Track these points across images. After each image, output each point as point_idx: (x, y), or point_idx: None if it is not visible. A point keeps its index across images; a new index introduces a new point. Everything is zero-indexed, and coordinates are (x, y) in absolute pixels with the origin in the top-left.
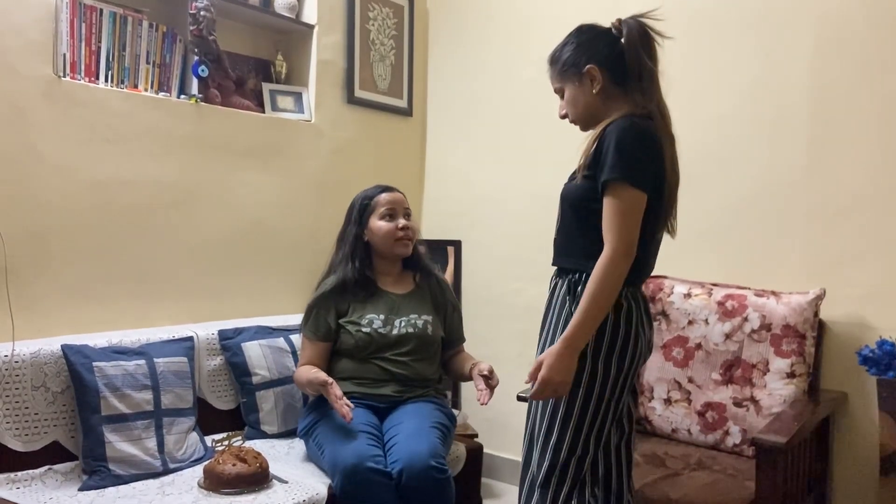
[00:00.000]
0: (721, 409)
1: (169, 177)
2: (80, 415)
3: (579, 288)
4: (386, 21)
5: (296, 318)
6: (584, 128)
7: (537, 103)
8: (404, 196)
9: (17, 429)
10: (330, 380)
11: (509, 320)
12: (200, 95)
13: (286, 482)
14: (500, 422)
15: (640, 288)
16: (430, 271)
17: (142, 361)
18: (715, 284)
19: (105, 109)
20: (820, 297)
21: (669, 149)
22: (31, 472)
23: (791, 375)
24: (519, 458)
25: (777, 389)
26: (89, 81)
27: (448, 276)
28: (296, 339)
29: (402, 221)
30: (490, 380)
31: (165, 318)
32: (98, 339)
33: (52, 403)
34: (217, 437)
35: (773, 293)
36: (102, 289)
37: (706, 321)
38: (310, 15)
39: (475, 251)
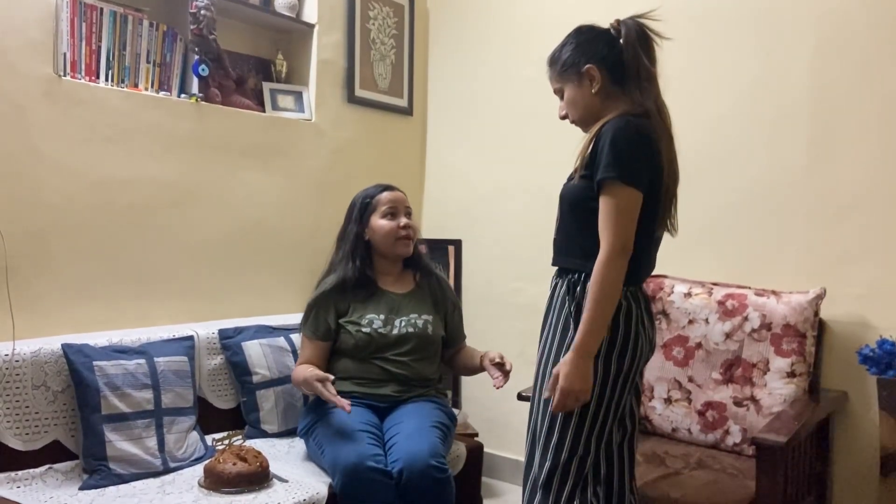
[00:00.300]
0: (721, 409)
1: (169, 176)
2: (81, 414)
3: (578, 288)
4: (386, 20)
5: (296, 318)
6: (585, 128)
7: (537, 103)
8: (405, 195)
9: (17, 428)
10: (328, 376)
11: (510, 319)
12: (201, 95)
13: (286, 481)
14: (501, 421)
15: (641, 287)
16: (430, 270)
17: (142, 360)
18: (715, 284)
19: (105, 109)
20: (820, 297)
21: (667, 147)
22: (31, 471)
23: (791, 375)
24: (519, 457)
25: (777, 389)
26: (90, 80)
27: (448, 275)
28: (296, 338)
29: (403, 220)
30: (503, 366)
31: (166, 317)
32: (98, 339)
33: (52, 402)
34: (217, 436)
35: (774, 292)
36: (103, 288)
37: (706, 320)
38: (310, 14)
39: (475, 250)
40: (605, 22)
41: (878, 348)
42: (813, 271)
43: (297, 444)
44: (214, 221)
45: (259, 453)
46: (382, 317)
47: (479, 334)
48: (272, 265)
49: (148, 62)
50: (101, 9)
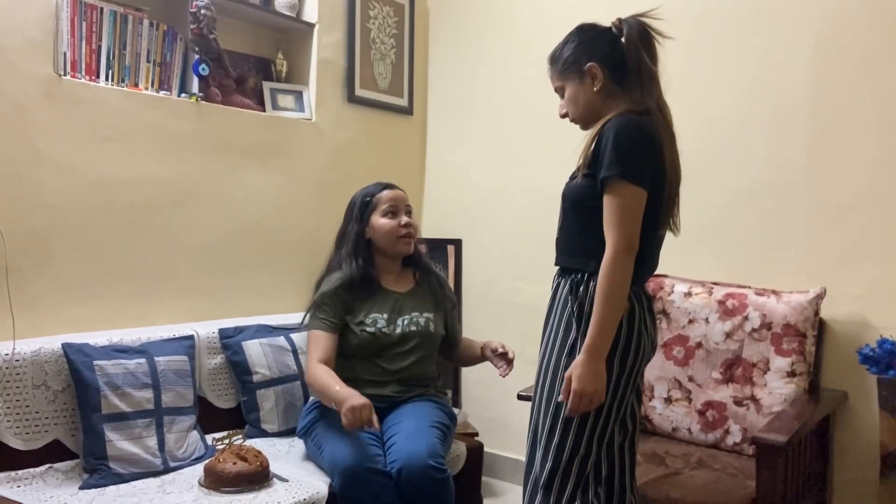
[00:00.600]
0: (721, 408)
1: (169, 175)
2: (81, 413)
3: (581, 287)
4: (386, 20)
5: (296, 317)
6: (585, 126)
7: (537, 103)
8: (405, 193)
9: (17, 427)
10: (368, 402)
11: (510, 319)
12: (201, 94)
13: (287, 481)
14: (501, 421)
15: (644, 286)
16: (429, 269)
17: (142, 360)
18: (715, 283)
19: (105, 108)
20: (820, 296)
21: (669, 145)
22: (31, 470)
23: (791, 374)
24: (519, 456)
25: (777, 388)
26: (90, 80)
27: (448, 275)
28: (296, 337)
29: (404, 219)
30: (506, 355)
31: (166, 316)
32: (99, 338)
33: (52, 402)
34: (217, 435)
35: (774, 292)
36: (103, 287)
37: (707, 320)
38: (310, 13)
39: (475, 250)
40: (606, 21)
41: (878, 348)
42: (813, 271)
43: (298, 444)
44: (214, 221)
45: (259, 453)
46: (386, 316)
47: (480, 334)
48: (272, 265)
49: (148, 62)
50: (102, 8)
